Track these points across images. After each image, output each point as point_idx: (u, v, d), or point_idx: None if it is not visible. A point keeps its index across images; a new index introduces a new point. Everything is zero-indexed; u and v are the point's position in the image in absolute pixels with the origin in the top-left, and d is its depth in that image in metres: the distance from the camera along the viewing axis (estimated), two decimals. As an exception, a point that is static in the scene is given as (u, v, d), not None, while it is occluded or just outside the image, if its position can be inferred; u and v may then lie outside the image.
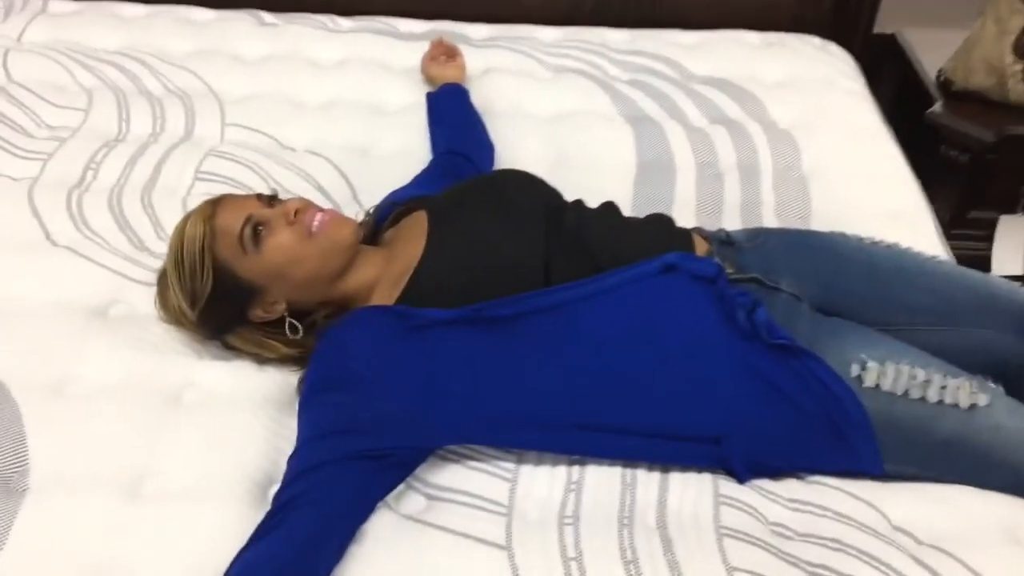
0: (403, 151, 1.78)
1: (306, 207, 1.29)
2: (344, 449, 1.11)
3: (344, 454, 1.11)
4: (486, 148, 1.73)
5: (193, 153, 1.73)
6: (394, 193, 1.55)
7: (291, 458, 1.14)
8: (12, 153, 1.72)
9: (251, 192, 1.36)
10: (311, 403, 1.19)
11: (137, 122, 1.82)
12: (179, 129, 1.81)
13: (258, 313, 1.29)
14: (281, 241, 1.25)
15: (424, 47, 2.01)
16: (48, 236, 1.54)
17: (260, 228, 1.26)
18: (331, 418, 1.16)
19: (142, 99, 1.87)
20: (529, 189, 1.40)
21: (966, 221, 2.20)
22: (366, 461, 1.11)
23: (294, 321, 1.29)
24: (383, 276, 1.31)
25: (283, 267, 1.26)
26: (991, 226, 2.20)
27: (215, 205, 1.29)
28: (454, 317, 1.20)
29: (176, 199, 1.62)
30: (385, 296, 1.28)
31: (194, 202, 1.50)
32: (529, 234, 1.30)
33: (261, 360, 1.33)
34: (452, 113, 1.79)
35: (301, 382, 1.26)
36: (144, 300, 1.41)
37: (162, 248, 1.50)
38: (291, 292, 1.28)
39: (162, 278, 1.34)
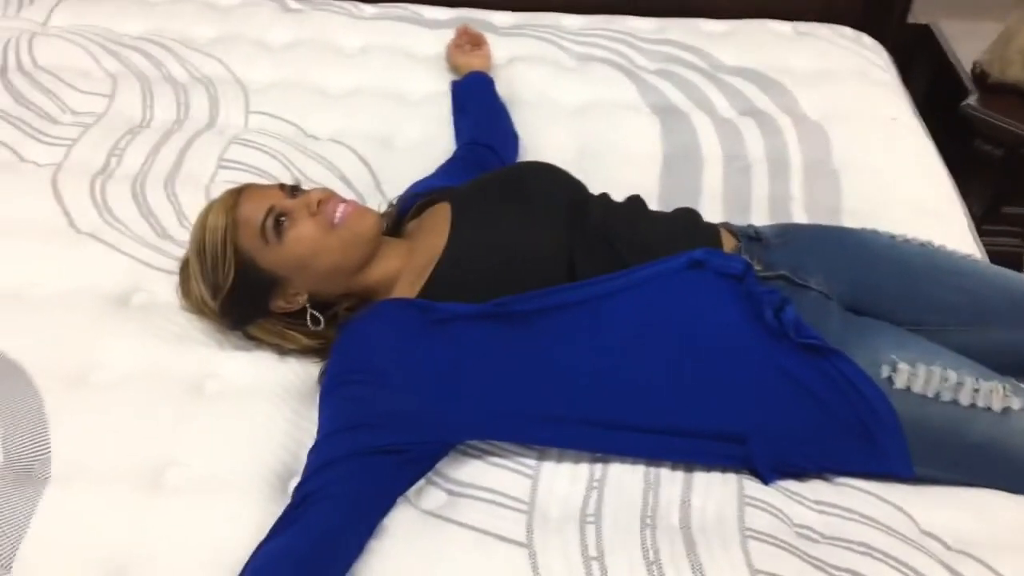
0: (426, 140, 1.77)
1: (328, 197, 1.28)
2: (364, 444, 1.10)
3: (364, 448, 1.10)
4: (511, 138, 1.71)
5: (217, 141, 1.72)
6: (416, 184, 1.54)
7: (312, 451, 1.13)
8: (36, 139, 1.72)
9: (274, 182, 1.35)
10: (332, 396, 1.18)
11: (161, 108, 1.81)
12: (203, 116, 1.80)
13: (280, 304, 1.28)
14: (303, 232, 1.25)
15: (448, 35, 1.99)
16: (71, 223, 1.54)
17: (282, 219, 1.25)
18: (352, 412, 1.15)
19: (166, 85, 1.87)
20: (553, 181, 1.38)
21: (999, 217, 2.16)
22: (386, 456, 1.10)
23: (315, 313, 1.28)
24: (405, 268, 1.30)
25: (305, 258, 1.25)
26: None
27: (238, 195, 1.28)
28: (477, 311, 1.19)
29: (199, 187, 1.61)
30: (407, 289, 1.26)
31: (217, 190, 1.50)
32: (553, 227, 1.28)
33: (282, 351, 1.32)
34: (477, 103, 1.77)
35: (322, 374, 1.25)
36: (166, 289, 1.41)
37: (185, 236, 1.50)
38: (313, 283, 1.27)
39: (184, 268, 1.33)
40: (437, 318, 1.19)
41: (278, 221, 1.24)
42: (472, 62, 1.87)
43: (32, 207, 1.56)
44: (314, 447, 1.14)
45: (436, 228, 1.31)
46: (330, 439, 1.13)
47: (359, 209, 1.30)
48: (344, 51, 2.00)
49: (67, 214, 1.55)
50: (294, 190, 1.30)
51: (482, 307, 1.19)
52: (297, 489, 1.09)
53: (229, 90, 1.86)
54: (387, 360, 1.18)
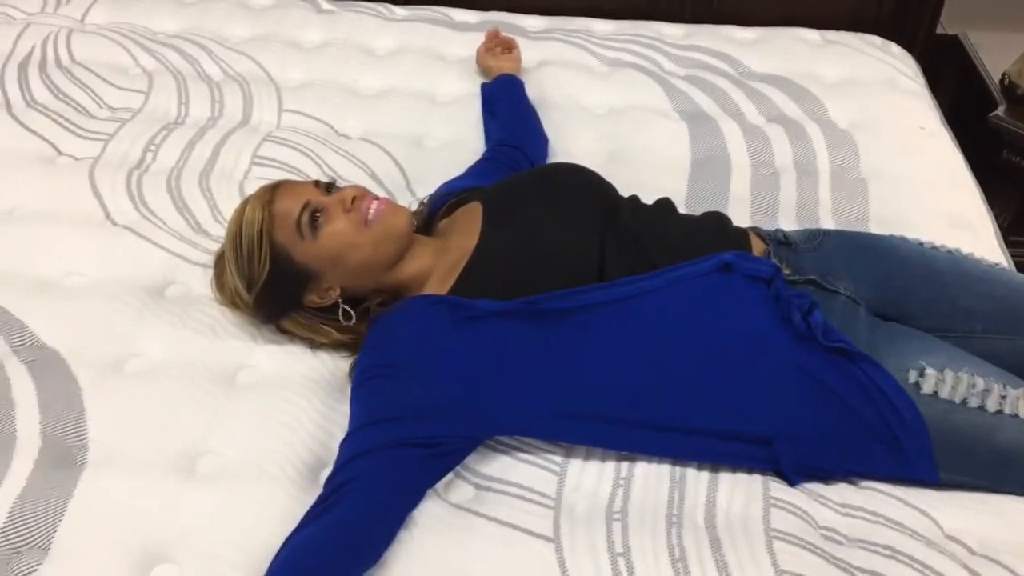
0: (456, 141, 1.78)
1: (363, 195, 1.30)
2: (395, 436, 1.12)
3: (395, 441, 1.12)
4: (540, 141, 1.73)
5: (250, 138, 1.74)
6: (447, 184, 1.56)
7: (343, 443, 1.15)
8: (74, 133, 1.75)
9: (308, 179, 1.37)
10: (363, 389, 1.20)
11: (196, 106, 1.84)
12: (237, 114, 1.83)
13: (312, 299, 1.30)
14: (337, 228, 1.26)
15: (478, 38, 2.01)
16: (108, 216, 1.57)
17: (318, 215, 1.27)
18: (382, 405, 1.17)
19: (201, 83, 1.90)
20: (584, 183, 1.40)
21: (1024, 228, 2.15)
22: (416, 449, 1.12)
23: (347, 308, 1.30)
24: (436, 266, 1.31)
25: (339, 253, 1.27)
26: (1051, 234, 2.15)
27: (273, 191, 1.30)
28: (507, 309, 1.20)
29: (233, 183, 1.64)
30: (438, 286, 1.28)
31: (251, 186, 1.53)
32: (583, 228, 1.30)
33: (314, 345, 1.34)
34: (506, 105, 1.79)
35: (353, 368, 1.27)
36: (200, 281, 1.44)
37: (219, 231, 1.53)
38: (345, 278, 1.29)
39: (219, 261, 1.35)
40: (467, 315, 1.21)
41: (313, 217, 1.26)
42: (503, 65, 1.89)
43: (70, 200, 1.59)
44: (345, 439, 1.16)
45: (467, 227, 1.33)
46: (361, 431, 1.15)
47: (392, 207, 1.31)
48: (376, 52, 2.03)
49: (104, 207, 1.58)
50: (329, 187, 1.32)
51: (513, 304, 1.20)
52: (328, 480, 1.11)
53: (263, 88, 1.89)
54: (417, 354, 1.20)
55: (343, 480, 1.09)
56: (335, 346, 1.34)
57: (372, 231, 1.28)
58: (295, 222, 1.26)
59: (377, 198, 1.31)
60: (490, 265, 1.26)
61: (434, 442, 1.13)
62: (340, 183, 1.40)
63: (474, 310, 1.21)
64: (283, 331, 1.35)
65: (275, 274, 1.27)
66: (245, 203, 1.31)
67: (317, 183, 1.33)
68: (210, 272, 1.40)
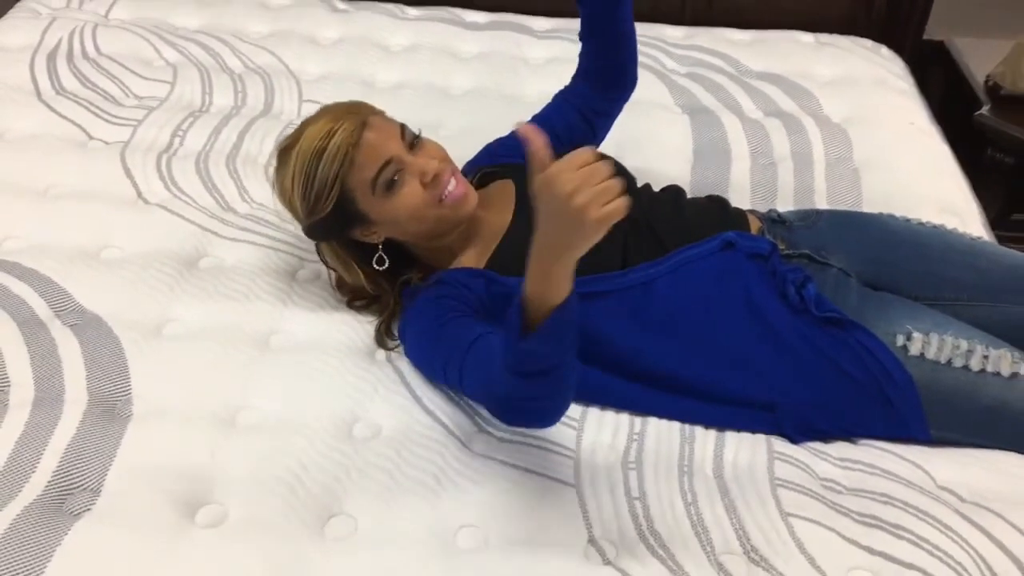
0: (469, 130, 1.84)
1: (443, 170, 1.30)
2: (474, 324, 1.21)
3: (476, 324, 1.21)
4: (628, 90, 1.61)
5: (273, 124, 1.82)
6: (490, 147, 1.58)
7: (437, 367, 1.24)
8: (104, 119, 1.82)
9: (393, 120, 1.34)
10: (421, 320, 1.27)
11: (220, 95, 1.92)
12: (259, 104, 1.91)
13: (357, 233, 1.35)
14: (410, 200, 1.29)
15: (489, 36, 2.09)
16: (140, 194, 1.64)
17: (396, 179, 1.28)
18: (449, 307, 1.24)
19: (224, 75, 1.98)
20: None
21: (1009, 223, 2.25)
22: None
23: (384, 255, 1.35)
24: (471, 237, 1.37)
25: (402, 219, 1.30)
26: (1033, 229, 2.26)
27: (362, 128, 1.28)
28: None
29: (258, 166, 1.72)
30: (474, 259, 1.35)
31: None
32: None
33: (338, 284, 1.42)
34: (610, 31, 1.54)
35: (380, 331, 1.34)
36: (232, 254, 1.51)
37: (247, 209, 1.61)
38: (395, 234, 1.35)
39: (285, 163, 1.32)
40: (500, 291, 1.27)
41: (392, 180, 1.28)
42: None
43: (103, 179, 1.66)
44: (436, 365, 1.24)
45: (502, 204, 1.39)
46: (442, 342, 1.22)
47: (467, 193, 1.32)
48: (390, 48, 2.11)
49: (136, 186, 1.66)
50: (414, 142, 1.32)
51: None
52: (450, 370, 1.20)
53: (283, 80, 1.97)
54: (458, 307, 1.26)
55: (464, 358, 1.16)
56: (355, 293, 1.40)
57: (441, 210, 1.30)
58: (372, 178, 1.27)
59: (455, 175, 1.32)
60: (521, 246, 1.31)
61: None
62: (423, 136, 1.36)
63: (506, 287, 1.27)
64: (317, 251, 1.41)
65: (335, 211, 1.30)
66: (331, 133, 1.27)
67: (403, 130, 1.32)
68: (241, 241, 1.46)
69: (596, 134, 1.59)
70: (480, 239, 1.37)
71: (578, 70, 1.58)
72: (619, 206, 0.93)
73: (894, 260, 1.43)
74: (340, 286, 1.45)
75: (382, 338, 1.38)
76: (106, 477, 1.16)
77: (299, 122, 1.79)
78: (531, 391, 1.07)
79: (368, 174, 1.28)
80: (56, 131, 1.79)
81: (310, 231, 1.36)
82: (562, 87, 1.60)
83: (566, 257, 0.97)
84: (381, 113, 1.36)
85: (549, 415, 1.13)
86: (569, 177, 0.92)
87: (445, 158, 1.34)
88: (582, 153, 0.94)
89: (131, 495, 1.14)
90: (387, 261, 1.36)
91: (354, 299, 1.43)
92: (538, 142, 0.95)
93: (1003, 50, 2.24)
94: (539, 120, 1.56)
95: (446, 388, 1.29)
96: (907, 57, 2.24)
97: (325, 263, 1.42)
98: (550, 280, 0.99)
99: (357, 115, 1.31)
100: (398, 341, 1.37)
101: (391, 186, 1.28)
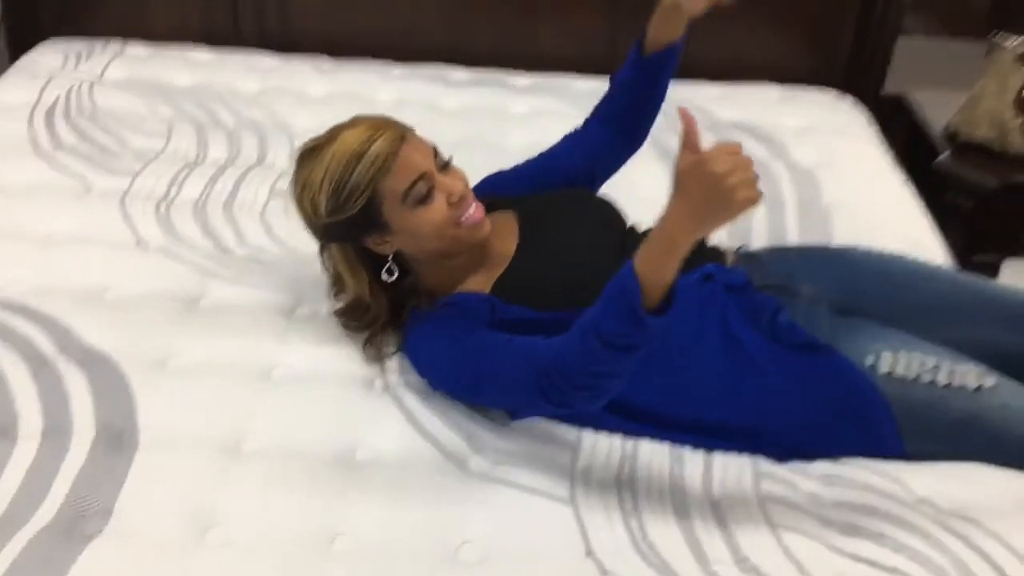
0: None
1: (466, 195, 1.37)
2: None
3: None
4: (638, 147, 1.68)
5: (267, 175, 1.90)
6: (489, 178, 1.62)
7: (470, 380, 1.30)
8: (103, 168, 1.89)
9: (428, 140, 1.39)
10: (443, 346, 1.32)
11: (214, 148, 1.99)
12: (252, 155, 1.98)
13: (371, 241, 1.38)
14: (435, 216, 1.33)
15: (471, 93, 2.18)
16: (140, 240, 1.69)
17: (427, 193, 1.32)
18: (463, 328, 1.31)
19: (218, 130, 2.05)
20: (608, 211, 1.54)
21: (971, 265, 2.34)
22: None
23: (393, 266, 1.40)
24: (476, 264, 1.42)
25: (421, 233, 1.35)
26: (995, 269, 2.35)
27: (402, 141, 1.33)
28: (544, 319, 1.31)
29: (254, 213, 1.78)
30: (479, 283, 1.40)
31: (271, 217, 1.67)
32: (608, 252, 1.42)
33: (338, 288, 1.45)
34: (655, 91, 1.60)
35: (368, 344, 1.42)
36: (232, 295, 1.56)
37: (245, 252, 1.67)
38: (409, 247, 1.39)
39: (315, 159, 1.35)
40: (503, 318, 1.33)
41: (423, 195, 1.32)
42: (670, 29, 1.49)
43: (103, 226, 1.72)
44: (464, 372, 1.30)
45: (505, 232, 1.45)
46: (469, 352, 1.28)
47: (483, 220, 1.38)
48: (377, 103, 2.20)
49: (135, 233, 1.71)
50: (446, 165, 1.38)
51: (551, 315, 1.31)
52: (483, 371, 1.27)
53: (275, 133, 2.05)
54: (465, 328, 1.32)
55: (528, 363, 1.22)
56: (351, 303, 1.43)
57: (458, 232, 1.36)
58: (406, 189, 1.31)
59: (476, 203, 1.38)
60: (526, 274, 1.38)
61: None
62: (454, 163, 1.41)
63: (509, 314, 1.33)
64: (323, 253, 1.44)
65: (359, 215, 1.33)
66: (371, 141, 1.31)
67: (436, 152, 1.37)
68: (240, 282, 1.51)
69: (593, 184, 1.65)
70: (485, 265, 1.42)
71: (599, 116, 1.64)
72: (759, 194, 1.05)
73: (862, 288, 1.50)
74: (337, 294, 1.47)
75: (372, 351, 1.43)
76: (116, 501, 1.19)
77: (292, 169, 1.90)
78: (616, 366, 1.15)
79: (401, 185, 1.32)
80: (56, 182, 1.84)
81: (326, 231, 1.38)
82: (571, 130, 1.66)
83: (700, 231, 1.09)
84: (415, 131, 1.41)
85: (610, 393, 1.21)
86: (725, 159, 1.03)
87: (468, 184, 1.40)
88: (732, 144, 1.06)
89: (142, 517, 1.18)
90: (396, 272, 1.40)
91: (348, 310, 1.45)
92: (694, 126, 1.08)
93: (957, 102, 2.37)
94: (548, 157, 1.64)
95: (465, 402, 1.34)
96: (871, 107, 2.36)
97: (328, 268, 1.45)
98: (673, 254, 1.08)
99: (396, 127, 1.36)
100: (389, 351, 1.43)
101: (421, 200, 1.33)
